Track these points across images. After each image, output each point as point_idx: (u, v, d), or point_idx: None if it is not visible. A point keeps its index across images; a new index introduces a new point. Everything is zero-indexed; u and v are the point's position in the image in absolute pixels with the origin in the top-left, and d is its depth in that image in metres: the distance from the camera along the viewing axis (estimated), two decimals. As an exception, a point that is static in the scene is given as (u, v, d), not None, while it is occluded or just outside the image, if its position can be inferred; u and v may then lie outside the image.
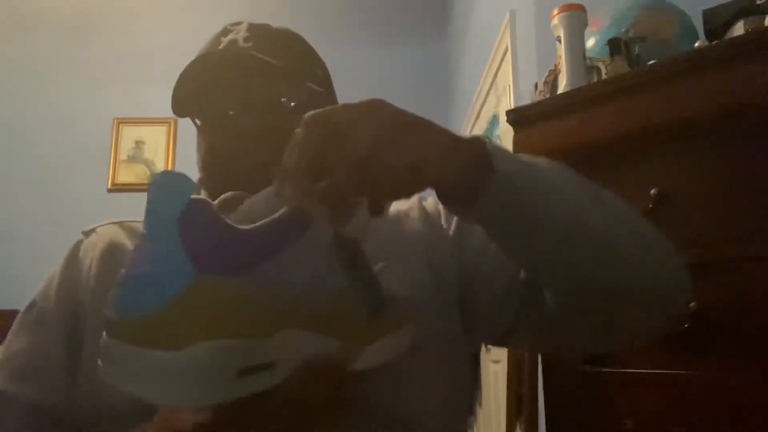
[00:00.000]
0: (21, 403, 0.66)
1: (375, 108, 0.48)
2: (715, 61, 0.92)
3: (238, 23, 0.77)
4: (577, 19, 1.13)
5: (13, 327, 0.71)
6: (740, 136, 0.88)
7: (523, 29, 2.02)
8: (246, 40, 0.73)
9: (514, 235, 0.54)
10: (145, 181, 3.57)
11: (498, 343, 0.76)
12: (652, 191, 0.93)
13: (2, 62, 3.70)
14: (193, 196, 0.41)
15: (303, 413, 0.50)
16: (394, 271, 0.67)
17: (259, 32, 0.75)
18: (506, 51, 2.21)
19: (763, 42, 0.88)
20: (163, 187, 0.42)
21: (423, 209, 0.78)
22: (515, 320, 0.68)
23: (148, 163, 3.62)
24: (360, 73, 3.33)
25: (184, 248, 0.40)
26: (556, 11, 1.14)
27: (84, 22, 3.74)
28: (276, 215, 0.46)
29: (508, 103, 2.14)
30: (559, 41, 1.14)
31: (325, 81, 0.81)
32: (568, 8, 1.14)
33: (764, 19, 0.97)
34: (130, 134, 3.64)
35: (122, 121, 3.64)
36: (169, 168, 3.59)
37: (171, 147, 3.63)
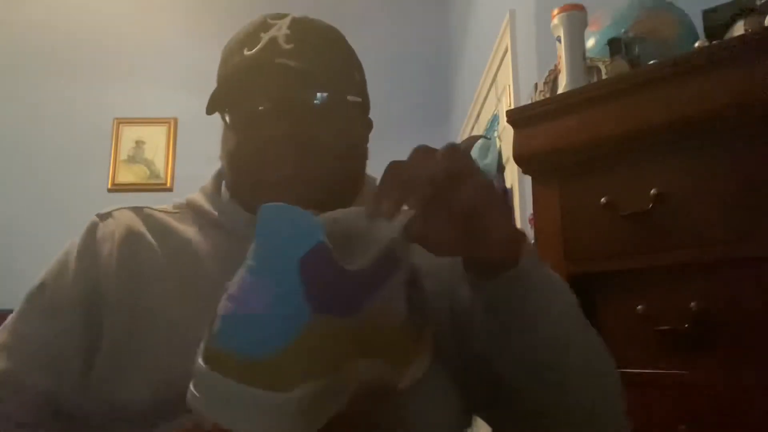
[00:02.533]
0: (33, 389, 0.64)
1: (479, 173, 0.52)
2: (715, 61, 0.92)
3: (280, 17, 0.73)
4: (577, 19, 1.13)
5: (22, 307, 0.68)
6: (740, 136, 0.88)
7: (523, 29, 2.01)
8: (287, 40, 0.70)
9: (504, 328, 0.57)
10: (146, 181, 3.57)
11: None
12: (652, 191, 0.93)
13: (2, 62, 3.70)
14: (321, 240, 0.41)
15: None
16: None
17: (301, 31, 0.72)
18: (506, 51, 2.21)
19: (763, 42, 0.88)
20: (281, 223, 0.41)
21: None
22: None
23: (148, 163, 3.62)
24: (360, 73, 3.32)
25: (306, 290, 0.40)
26: (556, 11, 1.14)
27: (84, 21, 3.74)
28: (374, 255, 0.46)
29: (508, 103, 2.14)
30: (559, 41, 1.14)
31: (362, 86, 0.79)
32: (568, 8, 1.14)
33: (764, 19, 0.97)
34: (130, 134, 3.64)
35: (122, 121, 3.63)
36: (170, 168, 3.59)
37: (171, 147, 3.62)
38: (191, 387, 0.41)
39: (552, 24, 1.15)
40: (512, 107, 1.83)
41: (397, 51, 3.78)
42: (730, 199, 0.88)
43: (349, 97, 0.75)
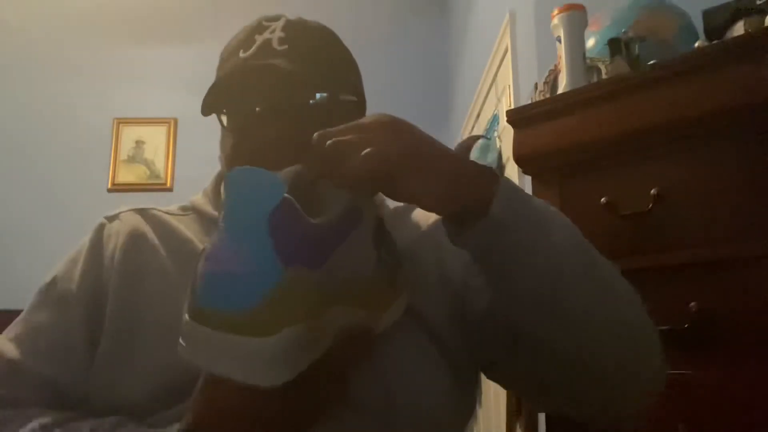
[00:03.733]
0: (39, 377, 0.66)
1: (393, 128, 0.56)
2: (715, 61, 0.92)
3: (275, 19, 0.75)
4: (577, 19, 1.13)
5: (33, 301, 0.72)
6: (740, 136, 0.88)
7: (523, 29, 2.01)
8: (281, 42, 0.72)
9: (493, 275, 0.58)
10: (146, 181, 3.57)
11: (484, 370, 0.75)
12: (652, 191, 0.93)
13: (2, 62, 3.70)
14: (285, 195, 0.44)
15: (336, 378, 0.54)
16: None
17: (295, 33, 0.73)
18: (506, 51, 2.20)
19: (763, 42, 0.88)
20: (246, 185, 0.44)
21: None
22: (493, 350, 0.68)
23: (148, 163, 3.62)
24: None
25: (276, 247, 0.43)
26: (556, 11, 1.14)
27: (84, 21, 3.74)
28: (338, 211, 0.50)
29: (508, 103, 2.14)
30: (559, 41, 1.14)
31: (357, 86, 0.80)
32: (568, 8, 1.14)
33: (764, 19, 0.97)
34: (130, 134, 3.64)
35: (122, 121, 3.63)
36: (170, 168, 3.59)
37: (171, 147, 3.62)
38: (180, 341, 0.45)
39: (552, 24, 1.15)
40: (512, 107, 1.83)
41: (397, 51, 3.78)
42: (730, 199, 0.88)
43: (343, 97, 0.76)
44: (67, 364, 0.67)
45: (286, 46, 0.72)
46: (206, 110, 0.74)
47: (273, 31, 0.73)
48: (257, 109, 0.72)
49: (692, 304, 0.88)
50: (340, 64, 0.78)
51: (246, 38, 0.74)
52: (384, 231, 0.59)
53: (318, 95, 0.73)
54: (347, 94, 0.77)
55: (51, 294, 0.71)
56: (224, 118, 0.76)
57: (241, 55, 0.72)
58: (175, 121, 3.63)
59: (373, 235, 0.55)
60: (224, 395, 0.51)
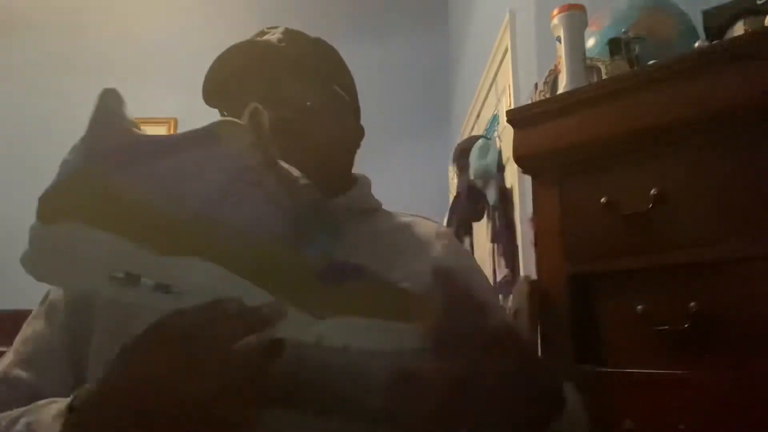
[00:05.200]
0: (23, 384, 0.67)
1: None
2: (715, 61, 0.92)
3: (275, 27, 0.79)
4: (577, 19, 1.13)
5: (33, 312, 0.74)
6: (740, 136, 0.88)
7: (523, 29, 2.01)
8: (280, 41, 0.76)
9: None
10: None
11: None
12: (652, 191, 0.93)
13: (2, 62, 3.70)
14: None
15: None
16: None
17: (293, 36, 0.78)
18: (506, 51, 2.20)
19: (763, 42, 0.88)
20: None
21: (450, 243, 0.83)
22: None
23: (148, 163, 3.62)
24: (359, 73, 3.32)
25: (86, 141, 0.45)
26: (556, 11, 1.14)
27: (84, 21, 3.74)
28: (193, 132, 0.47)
29: (508, 103, 2.14)
30: (559, 41, 1.14)
31: (351, 89, 0.83)
32: (568, 8, 1.13)
33: (764, 19, 0.97)
34: (130, 134, 3.64)
35: (122, 121, 3.64)
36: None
37: (171, 147, 3.63)
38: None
39: (552, 24, 1.15)
40: (512, 107, 1.83)
41: (397, 51, 3.78)
42: (730, 199, 0.88)
43: (337, 88, 0.79)
44: (46, 373, 0.68)
45: (284, 44, 0.75)
46: (209, 101, 0.77)
47: (273, 34, 0.77)
48: (252, 94, 0.73)
49: (692, 304, 0.88)
50: (335, 64, 0.82)
51: (246, 40, 0.78)
52: (327, 219, 0.52)
53: (312, 82, 0.76)
54: (340, 89, 0.80)
55: (44, 303, 0.74)
56: (225, 113, 0.78)
57: (239, 45, 0.76)
58: (175, 121, 3.63)
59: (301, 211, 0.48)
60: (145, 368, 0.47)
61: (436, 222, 0.89)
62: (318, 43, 0.81)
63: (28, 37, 3.72)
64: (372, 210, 0.83)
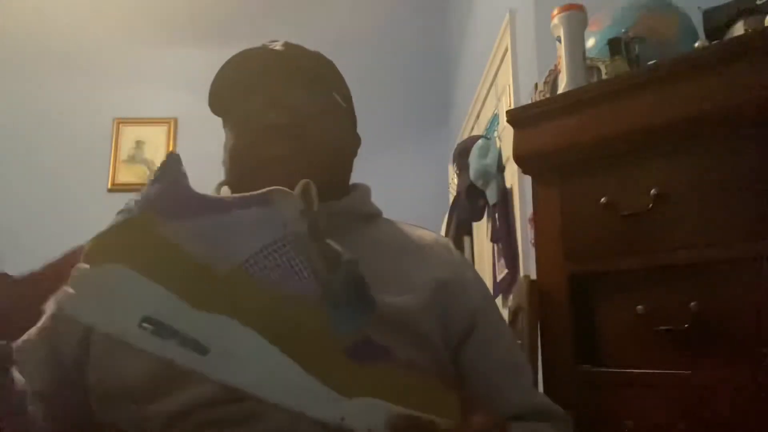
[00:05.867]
0: (40, 358, 0.70)
1: None
2: (715, 61, 0.92)
3: (275, 41, 0.83)
4: (577, 19, 1.13)
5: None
6: (740, 136, 0.88)
7: (523, 29, 2.01)
8: (280, 47, 0.79)
9: None
10: (145, 182, 3.55)
11: None
12: (652, 191, 0.93)
13: (2, 62, 3.70)
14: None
15: None
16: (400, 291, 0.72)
17: (292, 45, 0.81)
18: (506, 51, 2.20)
19: (763, 42, 0.88)
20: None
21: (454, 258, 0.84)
22: None
23: (148, 163, 3.62)
24: (359, 73, 3.32)
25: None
26: (556, 11, 1.14)
27: (84, 21, 3.74)
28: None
29: (508, 103, 2.14)
30: (559, 41, 1.14)
31: (348, 100, 0.86)
32: (568, 8, 1.13)
33: (764, 19, 0.97)
34: (130, 134, 3.64)
35: (122, 121, 3.63)
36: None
37: (171, 147, 3.62)
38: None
39: (552, 24, 1.15)
40: (512, 107, 1.83)
41: (397, 51, 3.78)
42: (730, 199, 0.88)
43: (336, 96, 0.82)
44: (61, 339, 0.70)
45: (284, 49, 0.79)
46: (215, 106, 0.80)
47: (274, 45, 0.80)
48: (254, 99, 0.77)
49: (692, 304, 0.88)
50: (333, 74, 0.85)
51: (248, 50, 0.80)
52: (354, 270, 0.49)
53: (312, 87, 0.79)
54: (338, 97, 0.83)
55: (51, 304, 0.75)
56: (226, 116, 0.81)
57: (242, 53, 0.79)
58: (175, 121, 3.63)
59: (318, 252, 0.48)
60: None
61: (434, 232, 0.90)
62: (317, 54, 0.84)
63: (29, 38, 3.72)
64: (371, 216, 0.84)
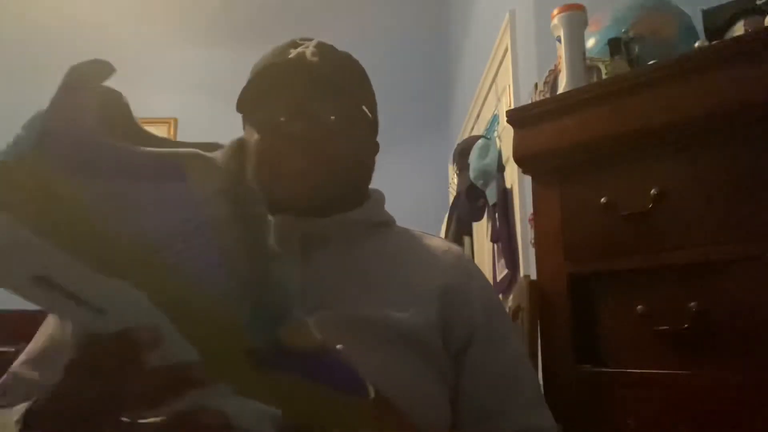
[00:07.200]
0: (29, 385, 0.70)
1: None
2: (715, 61, 0.92)
3: (308, 39, 0.82)
4: (577, 19, 1.13)
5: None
6: (740, 136, 0.88)
7: (523, 29, 2.01)
8: (313, 55, 0.78)
9: None
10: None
11: None
12: (652, 191, 0.93)
13: (2, 62, 3.70)
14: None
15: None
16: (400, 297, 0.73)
17: (325, 50, 0.81)
18: (506, 51, 2.20)
19: (763, 42, 0.88)
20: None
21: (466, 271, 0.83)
22: None
23: (148, 163, 3.62)
24: (360, 73, 3.31)
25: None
26: (556, 11, 1.14)
27: (84, 21, 3.74)
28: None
29: (508, 103, 2.14)
30: (559, 41, 1.14)
31: (374, 107, 0.87)
32: (568, 8, 1.13)
33: (764, 19, 0.97)
34: (130, 134, 3.64)
35: (122, 121, 3.64)
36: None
37: (171, 147, 3.62)
38: None
39: (552, 24, 1.15)
40: (512, 107, 1.83)
41: (397, 51, 3.78)
42: (730, 199, 0.88)
43: (364, 108, 0.83)
44: (54, 370, 0.69)
45: (317, 59, 0.78)
46: (241, 106, 0.80)
47: (306, 47, 0.79)
48: (282, 108, 0.77)
49: (692, 304, 0.88)
50: (363, 84, 0.86)
51: (281, 51, 0.80)
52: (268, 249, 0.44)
53: (341, 100, 0.79)
54: (366, 109, 0.84)
55: None
56: (251, 116, 0.81)
57: (275, 61, 0.79)
58: (175, 121, 3.63)
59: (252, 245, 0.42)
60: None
61: (443, 240, 0.91)
62: (348, 59, 0.84)
63: (29, 38, 3.72)
64: (383, 224, 0.85)
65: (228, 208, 0.41)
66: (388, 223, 0.86)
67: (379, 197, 0.87)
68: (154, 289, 0.40)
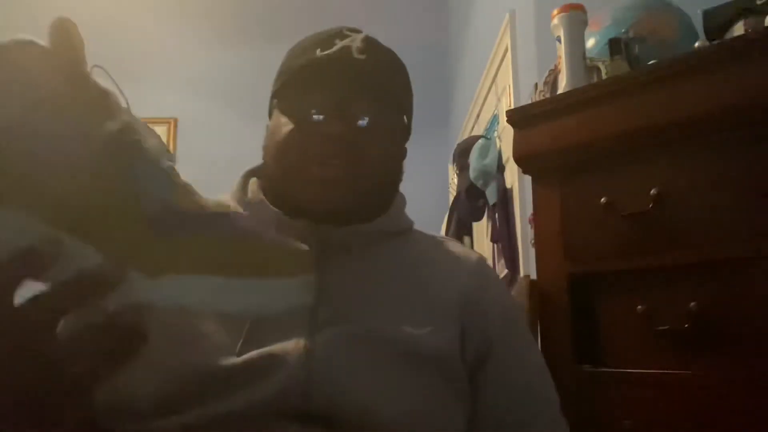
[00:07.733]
0: None
1: None
2: (715, 61, 0.92)
3: (355, 30, 0.78)
4: (577, 19, 1.13)
5: None
6: (741, 136, 0.88)
7: (523, 29, 2.02)
8: (360, 51, 0.75)
9: None
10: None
11: None
12: (652, 191, 0.93)
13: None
14: None
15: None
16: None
17: (372, 47, 0.78)
18: (506, 51, 2.21)
19: (763, 42, 0.88)
20: None
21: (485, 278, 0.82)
22: None
23: (148, 163, 3.62)
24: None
25: None
26: (556, 11, 1.14)
27: (84, 20, 3.74)
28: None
29: (508, 103, 2.14)
30: (559, 41, 1.14)
31: (411, 116, 0.86)
32: (568, 8, 1.13)
33: (764, 19, 0.97)
34: (130, 134, 3.64)
35: (122, 121, 3.64)
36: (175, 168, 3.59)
37: (171, 147, 3.62)
38: None
39: (552, 24, 1.15)
40: (512, 107, 1.83)
41: (396, 51, 3.78)
42: (730, 199, 0.88)
43: (404, 118, 0.82)
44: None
45: (364, 56, 0.75)
46: (279, 99, 0.77)
47: (353, 41, 0.76)
48: (322, 105, 0.73)
49: (692, 304, 0.88)
50: (406, 88, 0.84)
51: (326, 39, 0.76)
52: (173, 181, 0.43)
53: (382, 105, 0.76)
54: (405, 117, 0.83)
55: None
56: (286, 109, 0.77)
57: (319, 53, 0.74)
58: (175, 121, 3.63)
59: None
60: None
61: (464, 247, 0.89)
62: (394, 60, 0.82)
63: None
64: (401, 232, 0.82)
65: (62, 85, 0.41)
66: (406, 230, 0.83)
67: (400, 202, 0.84)
68: (25, 197, 0.38)
